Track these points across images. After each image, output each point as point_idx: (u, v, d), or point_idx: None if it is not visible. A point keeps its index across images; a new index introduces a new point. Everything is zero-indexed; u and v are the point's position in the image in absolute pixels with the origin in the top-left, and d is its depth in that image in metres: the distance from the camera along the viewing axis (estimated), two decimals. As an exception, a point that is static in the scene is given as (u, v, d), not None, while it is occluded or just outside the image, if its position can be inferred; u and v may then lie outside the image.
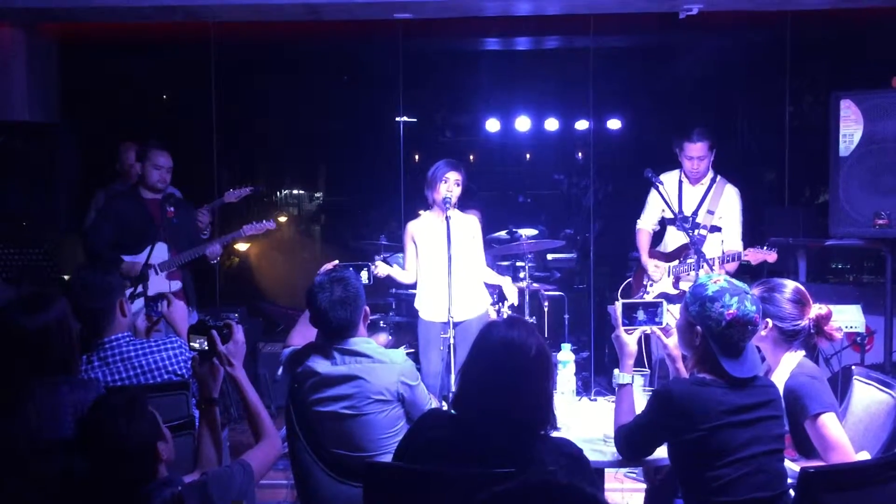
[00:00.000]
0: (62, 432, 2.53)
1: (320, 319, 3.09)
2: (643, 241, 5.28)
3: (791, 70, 6.69)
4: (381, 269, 4.74)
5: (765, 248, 4.67)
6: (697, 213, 5.03)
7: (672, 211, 4.89)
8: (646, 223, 5.32)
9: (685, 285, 4.96)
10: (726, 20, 6.51)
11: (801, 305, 2.96)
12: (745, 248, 4.93)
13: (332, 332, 3.10)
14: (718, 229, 5.06)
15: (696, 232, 4.89)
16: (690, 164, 5.03)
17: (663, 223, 5.30)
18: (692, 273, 4.88)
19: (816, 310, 2.99)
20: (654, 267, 5.12)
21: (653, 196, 5.26)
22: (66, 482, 2.24)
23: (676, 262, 5.07)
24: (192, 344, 2.69)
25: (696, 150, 5.01)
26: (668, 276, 5.08)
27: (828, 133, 5.21)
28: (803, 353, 2.95)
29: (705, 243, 4.95)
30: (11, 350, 2.60)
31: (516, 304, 4.95)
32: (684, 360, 2.89)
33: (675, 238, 5.16)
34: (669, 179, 5.16)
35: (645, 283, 5.17)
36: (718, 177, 5.13)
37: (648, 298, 4.90)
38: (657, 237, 5.35)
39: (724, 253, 4.84)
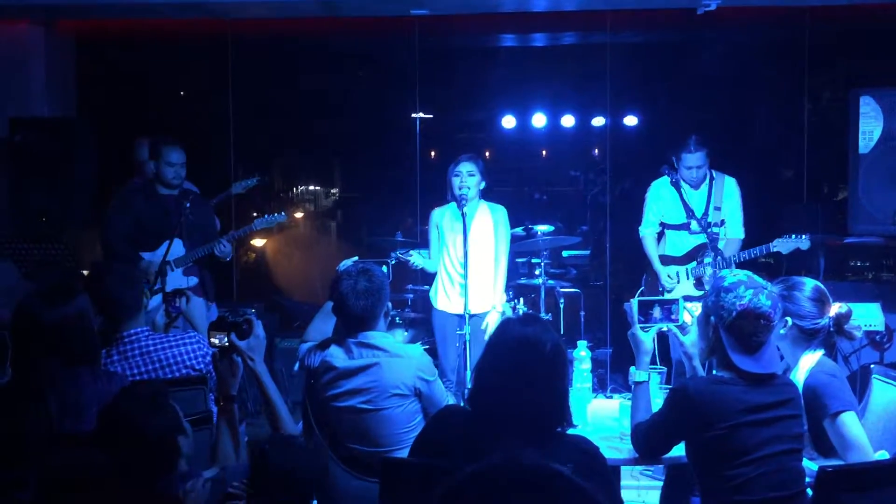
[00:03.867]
0: (86, 423, 2.56)
1: (341, 306, 3.11)
2: (651, 248, 5.21)
3: (810, 66, 6.64)
4: (415, 258, 4.79)
5: (793, 236, 4.62)
6: (708, 213, 4.99)
7: (692, 212, 4.85)
8: (649, 229, 5.23)
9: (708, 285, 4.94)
10: (744, 16, 6.46)
11: (821, 304, 2.94)
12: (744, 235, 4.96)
13: (350, 321, 3.11)
14: (723, 223, 5.04)
15: (711, 231, 4.87)
16: (689, 173, 4.99)
17: (662, 227, 5.23)
18: (709, 271, 4.85)
19: (836, 308, 2.97)
20: (667, 277, 5.07)
21: (651, 200, 5.20)
22: (88, 474, 2.26)
23: (694, 263, 5.02)
24: (212, 340, 2.70)
25: (695, 160, 4.97)
26: (687, 279, 5.04)
27: (847, 130, 5.17)
28: (823, 351, 2.93)
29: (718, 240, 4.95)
30: (32, 341, 2.63)
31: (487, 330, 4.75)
32: (700, 352, 2.88)
33: (680, 241, 5.10)
34: (664, 188, 5.13)
35: (660, 290, 5.12)
36: (714, 172, 5.09)
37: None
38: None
39: (748, 250, 4.81)
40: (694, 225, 4.99)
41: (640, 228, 5.29)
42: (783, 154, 7.39)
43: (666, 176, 5.05)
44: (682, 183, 5.06)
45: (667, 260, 5.14)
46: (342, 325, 3.21)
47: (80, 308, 2.70)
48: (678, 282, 5.05)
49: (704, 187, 5.05)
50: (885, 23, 6.23)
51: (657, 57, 7.73)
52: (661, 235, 5.26)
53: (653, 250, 5.20)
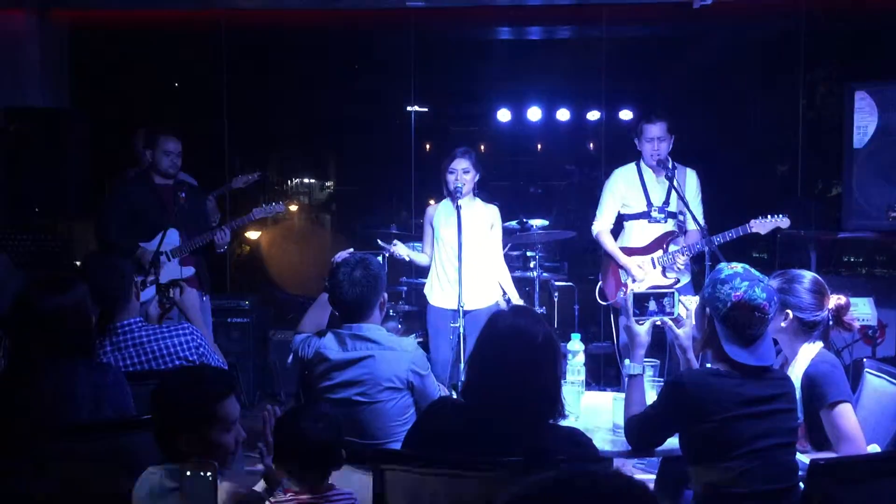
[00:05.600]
0: (78, 414, 2.56)
1: (336, 293, 3.13)
2: (611, 242, 5.10)
3: (805, 61, 6.65)
4: (399, 248, 4.78)
5: (769, 216, 4.60)
6: (669, 203, 4.95)
7: (682, 199, 4.85)
8: (605, 223, 5.14)
9: (674, 274, 4.93)
10: (741, 10, 6.47)
11: (820, 296, 2.95)
12: (706, 228, 4.91)
13: (345, 309, 3.13)
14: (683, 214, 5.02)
15: (679, 219, 4.86)
16: (650, 146, 4.91)
17: (619, 220, 5.15)
18: (680, 259, 4.84)
19: (835, 300, 2.98)
20: (637, 267, 4.99)
21: (610, 190, 5.12)
22: (82, 464, 2.26)
23: (659, 252, 4.99)
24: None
25: (655, 131, 4.88)
26: (654, 268, 5.00)
27: (842, 125, 5.17)
28: (821, 344, 2.94)
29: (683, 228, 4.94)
30: (29, 330, 2.63)
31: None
32: (694, 343, 2.88)
33: (643, 230, 5.04)
34: (628, 173, 5.08)
35: (625, 280, 5.06)
36: (675, 163, 5.03)
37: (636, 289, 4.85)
38: (614, 234, 5.21)
39: (723, 233, 4.79)
40: (655, 213, 4.97)
41: (594, 225, 5.17)
42: (778, 148, 7.41)
43: (633, 163, 5.02)
44: (644, 170, 5.03)
45: (629, 251, 5.05)
46: (336, 313, 3.23)
47: (78, 299, 2.70)
48: (644, 276, 5.00)
49: (664, 177, 4.96)
50: (881, 18, 6.25)
51: (653, 51, 7.74)
52: (618, 228, 5.19)
53: (612, 245, 5.10)
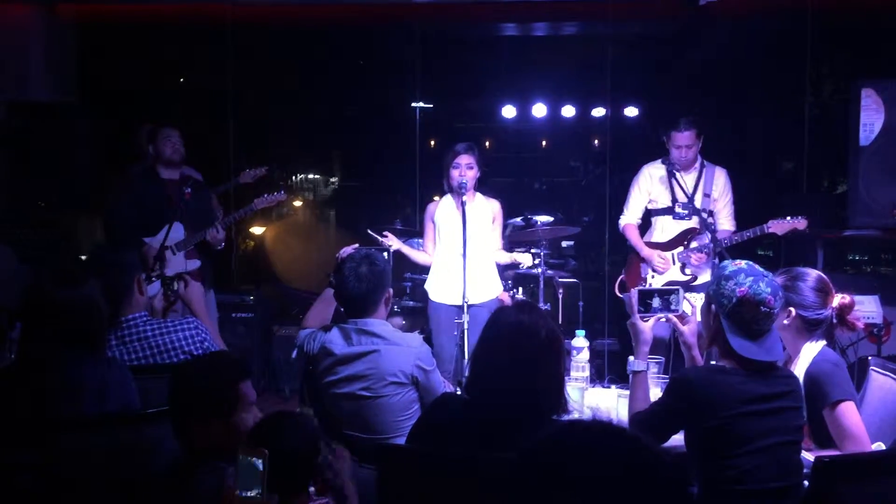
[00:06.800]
0: (83, 408, 2.56)
1: (341, 289, 3.15)
2: (635, 236, 5.17)
3: (812, 58, 6.62)
4: (392, 241, 4.75)
5: (788, 218, 4.61)
6: (694, 199, 4.97)
7: (686, 195, 4.85)
8: (632, 217, 5.21)
9: (692, 271, 4.95)
10: (746, 7, 6.45)
11: (824, 294, 2.94)
12: (736, 228, 4.96)
13: (350, 304, 3.14)
14: (711, 213, 5.03)
15: (702, 216, 4.87)
16: (678, 152, 4.97)
17: (647, 214, 5.20)
18: (694, 256, 4.85)
19: (839, 299, 2.97)
20: (659, 259, 5.04)
21: (638, 188, 5.18)
22: (87, 458, 2.26)
23: (681, 248, 5.01)
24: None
25: (683, 139, 4.94)
26: (674, 263, 5.03)
27: (848, 122, 5.15)
28: (824, 342, 2.93)
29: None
30: (41, 322, 2.63)
31: (528, 264, 4.92)
32: (700, 340, 2.88)
33: (668, 226, 5.08)
34: (655, 169, 5.11)
35: (644, 275, 5.10)
36: (706, 162, 5.07)
37: (655, 284, 4.89)
38: (641, 229, 5.25)
39: (740, 233, 4.80)
40: (679, 209, 4.99)
41: (621, 217, 5.25)
42: (784, 146, 7.38)
43: (660, 163, 5.04)
44: (674, 167, 5.05)
45: (654, 247, 5.10)
46: (342, 308, 3.24)
47: (91, 293, 2.70)
48: (665, 269, 5.02)
49: (695, 174, 5.03)
50: (888, 14, 6.22)
51: (658, 47, 7.71)
52: (647, 223, 5.23)
53: (637, 238, 5.16)
